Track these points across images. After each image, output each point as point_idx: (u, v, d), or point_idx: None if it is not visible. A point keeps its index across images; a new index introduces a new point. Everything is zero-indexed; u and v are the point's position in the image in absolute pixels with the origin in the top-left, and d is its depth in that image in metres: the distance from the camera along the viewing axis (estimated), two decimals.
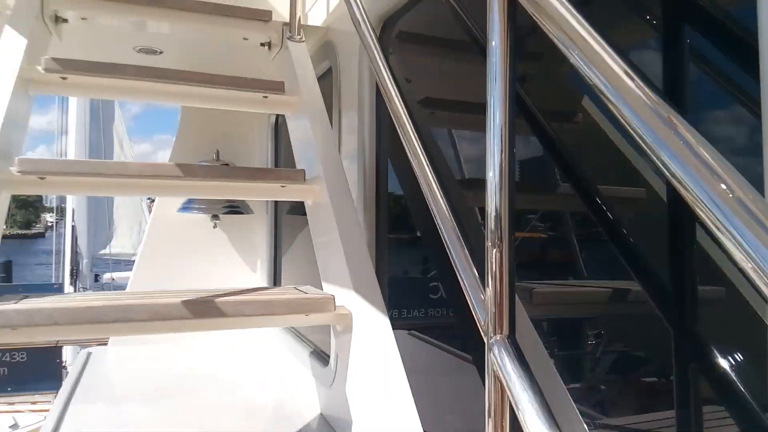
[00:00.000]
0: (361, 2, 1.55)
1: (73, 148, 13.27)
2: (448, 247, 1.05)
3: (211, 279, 3.34)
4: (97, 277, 13.39)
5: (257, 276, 3.44)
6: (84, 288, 12.88)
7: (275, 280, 3.28)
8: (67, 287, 12.69)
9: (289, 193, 1.68)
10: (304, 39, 2.14)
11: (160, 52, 2.73)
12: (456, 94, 2.12)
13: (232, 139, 3.39)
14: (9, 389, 4.77)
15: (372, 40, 1.46)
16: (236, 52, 2.73)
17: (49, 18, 1.96)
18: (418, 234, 2.00)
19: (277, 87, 1.92)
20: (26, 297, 1.29)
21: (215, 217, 3.28)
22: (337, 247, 1.54)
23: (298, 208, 3.32)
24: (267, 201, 3.35)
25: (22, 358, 4.87)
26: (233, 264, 3.41)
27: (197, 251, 3.33)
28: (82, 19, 2.07)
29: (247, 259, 3.46)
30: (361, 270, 1.46)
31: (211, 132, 3.36)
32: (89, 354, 3.09)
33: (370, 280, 1.44)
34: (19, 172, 1.39)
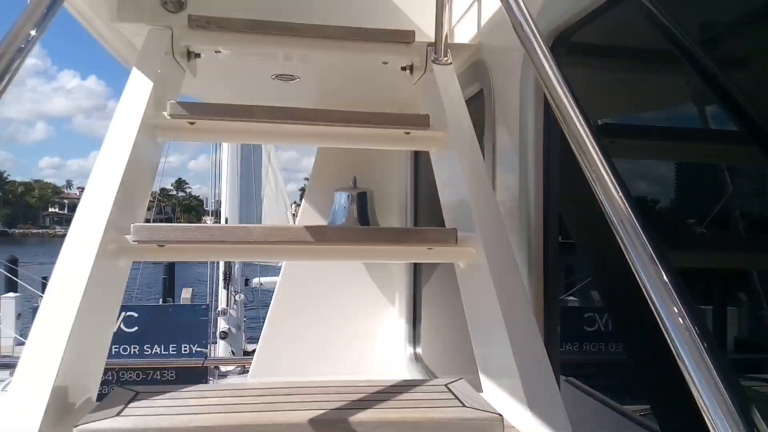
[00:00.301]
0: (528, 14, 1.22)
1: (226, 159, 14.16)
2: (674, 344, 0.71)
3: (348, 314, 3.16)
4: (246, 281, 14.22)
5: (395, 310, 3.20)
6: (236, 291, 13.72)
7: (415, 317, 3.01)
8: (221, 290, 13.60)
9: (438, 255, 1.39)
10: (451, 61, 1.84)
11: (297, 78, 2.58)
12: (643, 119, 1.69)
13: (371, 165, 3.18)
14: None
15: (546, 58, 1.12)
16: (375, 75, 2.51)
17: (180, 54, 1.84)
18: (606, 304, 1.60)
19: (421, 122, 1.63)
20: (137, 396, 1.12)
21: None
22: (499, 328, 1.21)
23: None
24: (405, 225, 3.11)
25: (171, 376, 5.15)
26: (371, 296, 3.21)
27: (335, 280, 3.18)
28: (216, 52, 1.95)
29: (386, 291, 3.23)
30: (535, 370, 1.12)
31: (349, 156, 3.19)
32: None
33: (549, 388, 1.09)
34: (135, 241, 1.23)
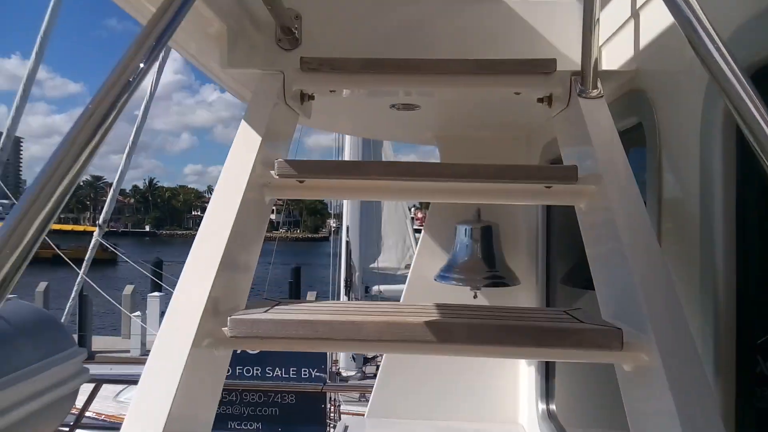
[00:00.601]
0: (719, 41, 0.91)
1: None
2: None
3: (470, 360, 2.90)
4: (367, 289, 14.38)
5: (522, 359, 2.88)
6: (356, 299, 13.92)
7: (548, 367, 2.68)
8: (342, 297, 13.88)
9: (596, 357, 1.10)
10: (602, 93, 1.52)
11: (418, 107, 2.38)
12: None
13: None
14: (279, 429, 5.11)
15: (746, 92, 0.84)
16: (504, 104, 2.23)
17: (293, 98, 1.70)
18: None
19: (567, 175, 1.34)
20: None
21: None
22: None
23: (576, 277, 2.69)
24: (537, 268, 2.78)
25: (291, 400, 5.19)
26: None
27: None
28: (331, 91, 1.79)
29: None
30: None
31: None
32: (346, 427, 2.92)
33: None
34: (233, 336, 1.08)
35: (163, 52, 1.16)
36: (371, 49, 1.82)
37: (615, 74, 1.66)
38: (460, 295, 2.83)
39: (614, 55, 1.70)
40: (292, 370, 5.27)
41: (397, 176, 1.36)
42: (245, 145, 1.43)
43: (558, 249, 2.70)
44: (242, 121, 1.50)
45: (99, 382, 4.05)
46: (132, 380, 5.27)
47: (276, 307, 1.19)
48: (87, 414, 4.37)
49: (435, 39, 1.80)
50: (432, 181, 1.37)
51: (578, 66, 1.58)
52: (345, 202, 14.47)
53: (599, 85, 1.53)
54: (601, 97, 1.52)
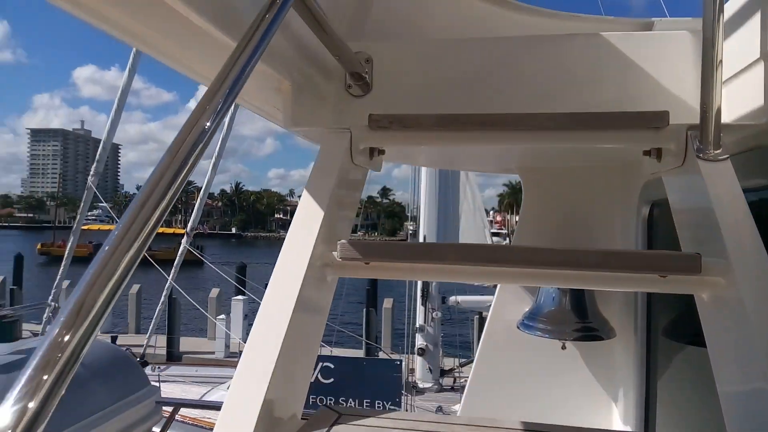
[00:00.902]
0: None
1: (425, 170, 14.12)
2: None
3: (554, 416, 2.64)
4: (444, 299, 14.12)
5: (616, 418, 2.58)
6: (433, 309, 13.69)
7: (647, 418, 2.38)
8: (419, 307, 13.72)
9: None
10: (726, 155, 1.26)
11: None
12: None
13: (587, 227, 2.62)
14: None
15: None
16: (601, 149, 1.98)
17: (361, 154, 1.55)
18: None
19: (687, 266, 1.10)
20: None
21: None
22: None
23: (682, 331, 2.38)
24: (635, 318, 2.48)
25: None
26: (583, 399, 2.64)
27: (539, 375, 2.67)
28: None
29: (607, 390, 2.64)
30: None
31: (559, 217, 2.67)
32: None
33: None
34: None
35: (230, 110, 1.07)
36: (448, 93, 1.63)
37: (735, 128, 1.39)
38: (547, 346, 2.58)
39: (735, 104, 1.42)
40: (366, 402, 5.13)
41: (475, 263, 1.16)
42: (308, 220, 1.29)
43: (660, 296, 2.39)
44: (305, 191, 1.36)
45: (177, 405, 4.10)
46: (209, 405, 5.34)
47: (335, 428, 1.03)
48: None
49: (520, 83, 1.58)
50: (508, 267, 1.17)
51: (695, 115, 1.32)
52: (422, 207, 14.29)
53: (721, 145, 1.27)
54: (727, 159, 1.26)
